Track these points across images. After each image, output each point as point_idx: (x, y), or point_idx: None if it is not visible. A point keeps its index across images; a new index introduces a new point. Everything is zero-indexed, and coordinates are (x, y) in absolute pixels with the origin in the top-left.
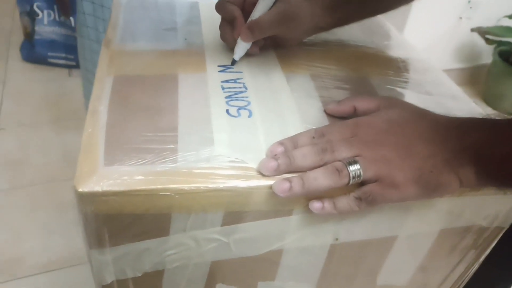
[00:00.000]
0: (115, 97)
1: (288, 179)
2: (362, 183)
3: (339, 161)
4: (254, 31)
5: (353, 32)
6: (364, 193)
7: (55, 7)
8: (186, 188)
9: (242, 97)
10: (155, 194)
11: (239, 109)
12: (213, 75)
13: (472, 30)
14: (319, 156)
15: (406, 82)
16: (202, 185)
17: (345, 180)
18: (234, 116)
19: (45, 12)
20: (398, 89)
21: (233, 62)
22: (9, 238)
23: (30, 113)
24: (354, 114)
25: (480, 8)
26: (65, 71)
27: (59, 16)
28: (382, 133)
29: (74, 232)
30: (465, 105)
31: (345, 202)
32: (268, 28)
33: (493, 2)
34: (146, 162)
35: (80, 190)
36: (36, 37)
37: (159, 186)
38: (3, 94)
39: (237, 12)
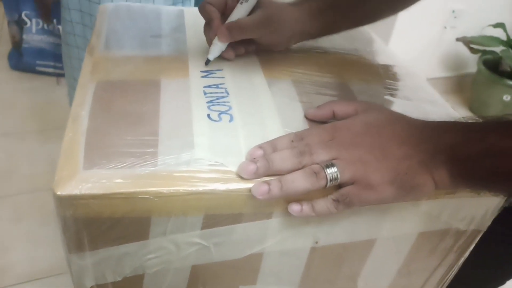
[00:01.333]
0: (97, 103)
1: (266, 182)
2: (340, 185)
3: (317, 164)
4: (232, 31)
5: (335, 39)
6: (342, 195)
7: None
8: (165, 191)
9: (224, 102)
10: (134, 197)
11: (220, 113)
12: (196, 81)
13: (457, 39)
14: (298, 159)
15: (385, 88)
16: (181, 188)
17: (323, 183)
18: (215, 121)
19: (34, 20)
20: (378, 95)
21: (207, 62)
22: None
23: (16, 123)
24: (333, 118)
25: (464, 17)
26: (53, 79)
27: (48, 25)
28: (359, 135)
29: (59, 242)
30: (443, 110)
31: (323, 204)
32: (247, 30)
33: (477, 11)
34: (126, 165)
35: (58, 193)
36: (24, 45)
37: (138, 189)
38: None
39: (215, 14)
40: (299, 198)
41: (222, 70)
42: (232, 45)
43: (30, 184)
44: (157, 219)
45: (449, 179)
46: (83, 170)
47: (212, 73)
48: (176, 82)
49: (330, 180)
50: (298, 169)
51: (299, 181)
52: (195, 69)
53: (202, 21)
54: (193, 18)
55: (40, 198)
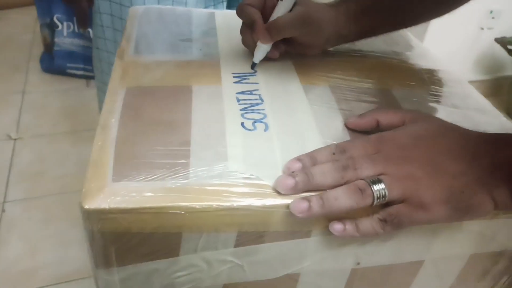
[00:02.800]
0: (127, 110)
1: (306, 198)
2: (387, 204)
3: (362, 179)
4: (272, 31)
5: (374, 42)
6: (390, 215)
7: (74, 19)
8: (197, 206)
9: (258, 109)
10: (165, 212)
11: (254, 122)
12: (228, 86)
13: (496, 40)
14: (340, 173)
15: (431, 94)
16: (214, 203)
17: (369, 201)
18: (249, 130)
19: (65, 24)
20: (423, 102)
21: (253, 65)
22: (23, 250)
23: (47, 124)
24: (377, 128)
25: (502, 18)
26: (83, 81)
27: (78, 28)
28: (408, 148)
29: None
30: (494, 119)
31: (369, 224)
32: (285, 29)
33: None
34: (156, 177)
35: (86, 207)
36: (56, 48)
37: (169, 204)
38: (22, 105)
39: (256, 15)
40: (341, 216)
41: (255, 75)
42: (274, 44)
43: (59, 186)
44: (188, 235)
45: (511, 198)
46: (112, 182)
47: (245, 79)
48: (208, 88)
49: (377, 198)
50: (341, 184)
51: (342, 199)
52: (228, 74)
53: (234, 24)
54: (224, 21)
55: (69, 199)
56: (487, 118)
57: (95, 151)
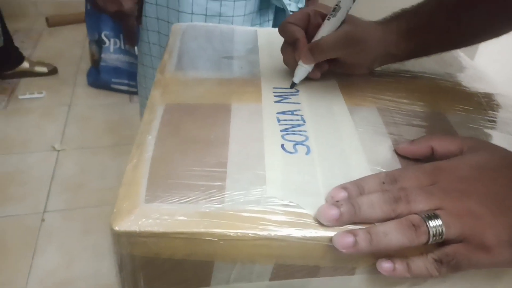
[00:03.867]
0: (164, 128)
1: (352, 232)
2: (443, 242)
3: (416, 214)
4: (315, 52)
5: (424, 63)
6: (447, 256)
7: (121, 36)
8: (232, 234)
9: (300, 131)
10: (197, 239)
11: (295, 144)
12: (269, 106)
13: None
14: (391, 206)
15: (489, 120)
16: (250, 231)
17: (423, 239)
18: (290, 152)
19: (112, 40)
20: (482, 129)
21: (292, 85)
22: (60, 260)
23: (90, 137)
24: (431, 156)
25: None
26: (126, 96)
27: (124, 45)
28: (468, 181)
29: None
30: None
31: (422, 264)
32: (329, 50)
33: None
34: (190, 200)
35: (116, 228)
36: (102, 63)
37: (202, 230)
38: (68, 117)
39: (299, 33)
40: (390, 253)
41: (297, 95)
42: (317, 64)
43: (99, 198)
44: (220, 264)
45: None
46: (145, 203)
47: (286, 98)
48: (247, 107)
49: (433, 236)
50: (391, 218)
51: (393, 235)
52: (269, 93)
53: (276, 42)
54: (267, 38)
55: (108, 212)
56: None
57: (129, 170)
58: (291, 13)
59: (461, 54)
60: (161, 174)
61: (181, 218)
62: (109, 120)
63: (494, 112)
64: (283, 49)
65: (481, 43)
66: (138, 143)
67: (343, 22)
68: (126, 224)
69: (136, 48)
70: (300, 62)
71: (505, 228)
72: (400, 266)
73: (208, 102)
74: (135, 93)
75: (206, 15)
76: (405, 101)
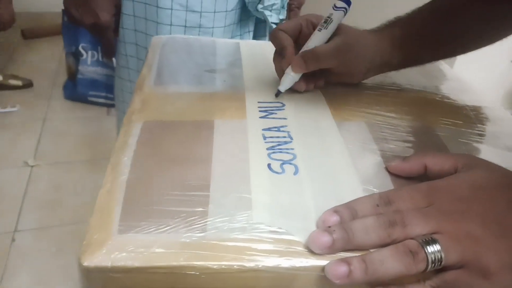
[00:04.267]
0: (142, 147)
1: (346, 261)
2: (441, 268)
3: (412, 238)
4: (308, 60)
5: (409, 74)
6: (446, 283)
7: (98, 48)
8: (215, 267)
9: (287, 148)
10: (177, 273)
11: (283, 163)
12: (254, 122)
13: None
14: (386, 231)
15: (479, 134)
16: (235, 263)
17: (422, 266)
18: (277, 173)
19: (89, 52)
20: (472, 143)
21: (278, 93)
22: (33, 282)
23: (66, 151)
24: (424, 174)
25: None
26: (103, 109)
27: (102, 57)
28: (467, 201)
29: None
30: None
31: None
32: (324, 59)
33: None
34: (169, 229)
35: (85, 264)
36: (79, 76)
37: (183, 263)
38: (42, 131)
39: (287, 41)
40: (386, 281)
41: (283, 109)
42: (304, 77)
43: (74, 216)
44: None
45: None
46: (118, 234)
47: (272, 113)
48: (231, 123)
49: (432, 263)
50: (387, 244)
51: (390, 263)
52: (253, 107)
53: (259, 54)
54: (250, 51)
55: (83, 230)
56: None
57: (102, 196)
58: (273, 24)
59: (445, 65)
60: (137, 200)
61: (159, 250)
62: (86, 134)
63: (483, 126)
64: (274, 58)
65: (473, 51)
66: (112, 165)
67: (336, 32)
68: (96, 259)
69: (114, 60)
70: (287, 70)
71: (507, 251)
72: None
73: (190, 119)
74: (113, 105)
75: (185, 26)
76: (394, 115)
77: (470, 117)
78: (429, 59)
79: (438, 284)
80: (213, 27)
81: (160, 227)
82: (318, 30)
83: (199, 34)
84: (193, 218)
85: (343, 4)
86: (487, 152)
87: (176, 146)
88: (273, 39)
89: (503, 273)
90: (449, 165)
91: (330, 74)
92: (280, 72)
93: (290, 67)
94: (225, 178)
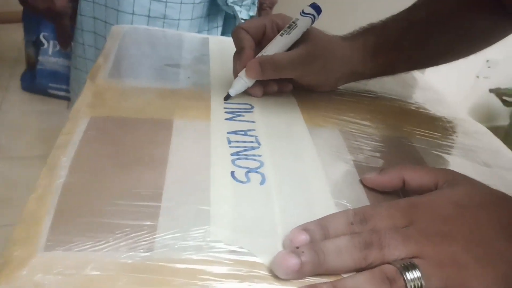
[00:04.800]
0: (85, 146)
1: (314, 287)
2: None
3: (390, 263)
4: (266, 68)
5: (385, 82)
6: None
7: None
8: None
9: (254, 155)
10: None
11: (248, 171)
12: (218, 124)
13: (491, 91)
14: (362, 253)
15: (456, 147)
16: None
17: None
18: (241, 182)
19: (51, 42)
20: (449, 157)
21: (226, 97)
22: None
23: (22, 146)
24: (402, 189)
25: (498, 67)
26: (64, 103)
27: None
28: (450, 222)
29: None
30: None
31: None
32: (284, 69)
33: None
34: (108, 246)
35: (1, 287)
36: (39, 67)
37: None
38: None
39: (247, 42)
40: None
41: (252, 111)
42: (262, 81)
43: None
44: None
45: None
46: (44, 251)
47: (239, 115)
48: (193, 124)
49: None
50: (361, 268)
51: None
52: (219, 108)
53: (229, 51)
54: (219, 47)
55: None
56: None
57: (31, 203)
58: (242, 20)
59: (420, 75)
60: (73, 209)
61: (93, 272)
62: (44, 128)
63: (459, 139)
64: (234, 58)
65: (448, 63)
66: (48, 166)
67: (303, 38)
68: (15, 282)
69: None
70: (240, 74)
71: (493, 279)
72: None
73: (145, 117)
74: None
75: (148, 16)
76: (369, 123)
77: (447, 129)
78: (402, 69)
79: None
80: (179, 19)
81: (98, 243)
82: (280, 35)
83: (163, 26)
84: (138, 233)
85: (311, 11)
86: (465, 167)
87: (127, 147)
88: (234, 37)
89: None
90: (429, 180)
91: (295, 82)
92: (236, 73)
93: (244, 70)
94: (180, 186)
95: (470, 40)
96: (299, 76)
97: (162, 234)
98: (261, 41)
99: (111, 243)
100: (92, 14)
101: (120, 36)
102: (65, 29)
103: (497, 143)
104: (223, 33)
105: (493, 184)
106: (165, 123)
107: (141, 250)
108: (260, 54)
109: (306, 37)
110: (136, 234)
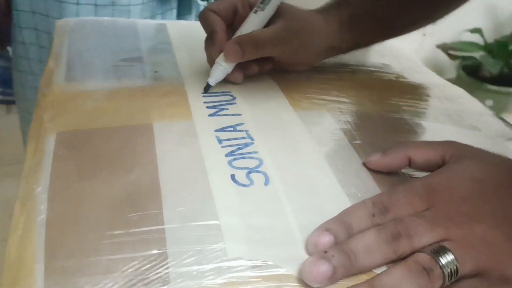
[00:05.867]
0: (60, 170)
1: None
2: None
3: (421, 251)
4: (246, 48)
5: (359, 55)
6: None
7: None
8: None
9: (250, 152)
10: None
11: (249, 172)
12: (203, 122)
13: (437, 46)
14: (391, 245)
15: (444, 114)
16: None
17: (438, 284)
18: (244, 185)
19: None
20: (440, 125)
21: (207, 88)
22: None
23: None
24: (409, 168)
25: (442, 23)
26: (2, 107)
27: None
28: (472, 201)
29: None
30: None
31: None
32: (266, 47)
33: (455, 16)
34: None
35: None
36: None
37: None
38: None
39: (218, 25)
40: None
41: (235, 103)
42: (240, 64)
43: None
44: None
45: None
46: None
47: (223, 108)
48: (175, 125)
49: (449, 276)
50: (392, 260)
51: (404, 287)
52: (198, 103)
53: (192, 37)
54: (180, 33)
55: None
56: None
57: (12, 245)
58: (200, 1)
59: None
60: (65, 250)
61: None
62: None
63: (443, 105)
64: (205, 45)
65: (419, 28)
66: (21, 200)
67: (278, 14)
68: None
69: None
70: (218, 59)
71: None
72: None
73: (120, 124)
74: (13, 102)
75: (95, 5)
76: (355, 101)
77: (430, 96)
78: (377, 40)
79: None
80: (129, 5)
81: (107, 286)
82: (254, 12)
83: (113, 14)
84: (148, 266)
85: None
86: (456, 133)
87: (107, 163)
88: (203, 22)
89: None
90: (435, 156)
91: (273, 62)
92: (211, 62)
93: (221, 56)
94: (180, 200)
95: (439, 4)
96: (280, 54)
97: (175, 262)
98: (233, 22)
99: (121, 283)
100: (30, 8)
101: (67, 32)
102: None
103: (479, 106)
104: (178, 16)
105: (486, 148)
106: (144, 128)
107: (157, 285)
108: (236, 35)
109: (280, 12)
110: (146, 267)
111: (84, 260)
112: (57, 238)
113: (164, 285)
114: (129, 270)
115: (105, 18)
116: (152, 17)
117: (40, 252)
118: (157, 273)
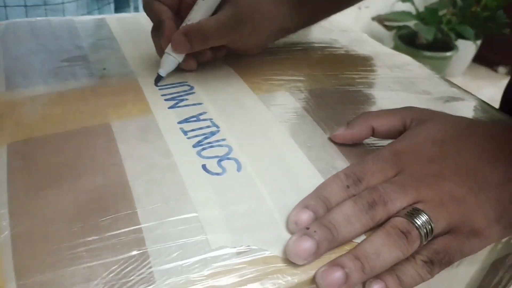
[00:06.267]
0: (17, 183)
1: (338, 264)
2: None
3: (396, 216)
4: (194, 39)
5: (305, 32)
6: (437, 254)
7: None
8: None
9: (217, 140)
10: None
11: (219, 160)
12: (164, 115)
13: (373, 18)
14: (368, 214)
15: (396, 82)
16: None
17: (416, 244)
18: (217, 174)
19: None
20: (394, 92)
21: (158, 79)
22: None
23: None
24: (373, 137)
25: None
26: None
27: None
28: (437, 160)
29: None
30: (471, 103)
31: (413, 272)
32: (214, 36)
33: None
34: None
35: None
36: None
37: None
38: None
39: (165, 14)
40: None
41: (194, 92)
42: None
43: None
44: None
45: None
46: None
47: (182, 99)
48: (135, 122)
49: (425, 236)
50: (370, 228)
51: (386, 252)
52: (155, 97)
53: (136, 29)
54: (123, 27)
55: None
56: (469, 104)
57: None
58: None
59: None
60: (37, 264)
61: None
62: None
63: (395, 73)
64: (152, 35)
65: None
66: None
67: (225, 1)
68: None
69: None
70: (167, 50)
71: (490, 204)
72: (391, 283)
73: (75, 127)
74: None
75: (25, 5)
76: (311, 78)
77: (380, 67)
78: (323, 17)
79: (429, 258)
80: (62, 3)
81: None
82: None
83: (46, 14)
84: (129, 268)
85: None
86: (410, 99)
87: (68, 169)
88: (148, 11)
89: (490, 228)
90: (397, 122)
91: (224, 47)
92: (161, 52)
93: (170, 45)
94: (154, 198)
95: None
96: (229, 42)
97: (157, 260)
98: (179, 10)
99: None
100: None
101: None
102: None
103: (426, 71)
104: (116, 10)
105: (439, 109)
106: (102, 129)
107: (142, 286)
108: (184, 24)
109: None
110: (128, 270)
111: (60, 271)
112: (26, 254)
113: (149, 285)
114: (110, 275)
115: (39, 18)
116: (89, 13)
117: (9, 271)
118: (140, 274)
